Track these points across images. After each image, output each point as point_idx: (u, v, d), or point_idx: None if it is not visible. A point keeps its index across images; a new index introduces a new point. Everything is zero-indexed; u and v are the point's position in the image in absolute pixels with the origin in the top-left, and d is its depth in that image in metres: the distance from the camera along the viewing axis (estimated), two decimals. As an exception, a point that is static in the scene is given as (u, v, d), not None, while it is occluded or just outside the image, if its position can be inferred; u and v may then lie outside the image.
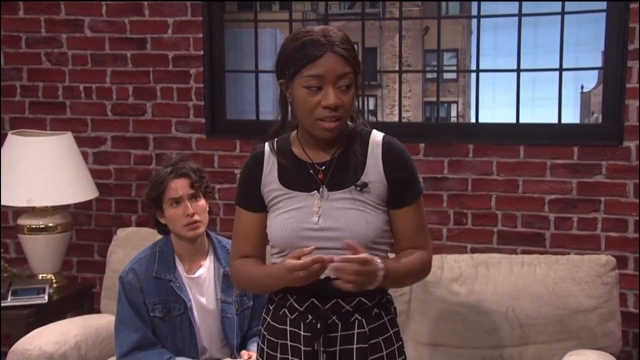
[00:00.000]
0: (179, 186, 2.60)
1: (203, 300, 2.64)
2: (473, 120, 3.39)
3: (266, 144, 1.94)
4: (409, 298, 2.97)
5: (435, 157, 3.28)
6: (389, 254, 1.93)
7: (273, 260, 1.93)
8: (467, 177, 3.26)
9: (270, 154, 1.91)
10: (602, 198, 3.13)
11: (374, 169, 1.87)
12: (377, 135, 1.91)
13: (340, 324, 1.85)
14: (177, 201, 2.60)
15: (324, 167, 1.88)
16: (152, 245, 2.71)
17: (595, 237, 3.15)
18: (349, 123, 1.90)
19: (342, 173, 1.87)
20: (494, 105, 3.63)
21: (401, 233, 1.91)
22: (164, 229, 2.69)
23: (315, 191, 1.86)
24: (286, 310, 1.89)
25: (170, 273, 2.63)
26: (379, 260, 1.79)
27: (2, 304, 3.05)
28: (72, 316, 3.23)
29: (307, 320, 1.85)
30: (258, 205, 1.92)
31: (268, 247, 1.97)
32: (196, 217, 2.59)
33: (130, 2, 3.50)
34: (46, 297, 3.12)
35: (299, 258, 1.76)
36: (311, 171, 1.88)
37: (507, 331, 2.84)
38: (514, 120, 3.28)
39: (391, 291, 3.12)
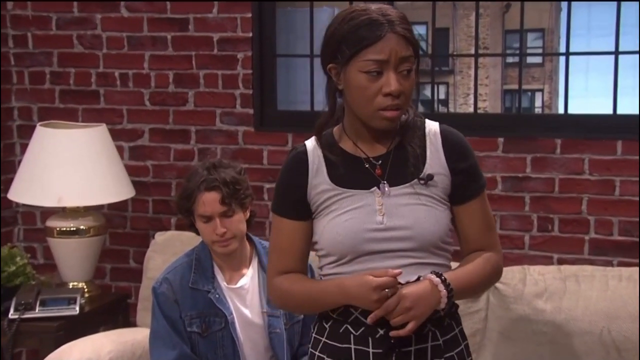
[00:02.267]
0: (208, 202, 2.59)
1: (247, 313, 2.65)
2: (561, 111, 3.33)
3: (306, 143, 1.95)
4: (485, 315, 2.96)
5: (517, 154, 3.24)
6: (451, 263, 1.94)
7: (326, 271, 1.92)
8: (554, 176, 3.21)
9: (314, 152, 1.92)
10: None
11: (435, 161, 1.89)
12: (432, 125, 1.94)
13: (413, 336, 1.84)
14: (208, 218, 2.60)
15: (380, 162, 1.89)
16: (188, 253, 2.73)
17: None
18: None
19: (401, 166, 1.88)
20: (586, 93, 3.56)
21: (469, 231, 1.93)
22: None
23: (375, 187, 1.87)
24: (349, 327, 1.88)
25: (208, 283, 2.64)
26: (430, 274, 1.82)
27: (29, 316, 3.09)
28: (105, 329, 3.29)
29: (377, 335, 1.84)
30: (303, 212, 1.92)
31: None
32: (227, 236, 2.59)
33: (171, -22, 3.54)
34: (77, 308, 3.16)
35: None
36: (367, 166, 1.89)
37: (601, 356, 2.81)
38: (610, 111, 3.23)
39: (464, 307, 3.04)
